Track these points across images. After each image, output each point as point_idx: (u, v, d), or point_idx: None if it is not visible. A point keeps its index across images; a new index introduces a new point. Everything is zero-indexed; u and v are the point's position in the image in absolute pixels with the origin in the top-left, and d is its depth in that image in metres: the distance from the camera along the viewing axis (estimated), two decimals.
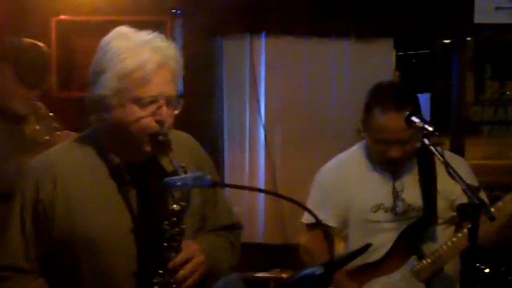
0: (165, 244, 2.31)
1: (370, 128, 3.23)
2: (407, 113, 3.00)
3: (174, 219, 2.31)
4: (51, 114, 3.74)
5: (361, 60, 5.55)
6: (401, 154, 3.17)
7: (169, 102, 2.33)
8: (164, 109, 2.31)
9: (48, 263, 2.43)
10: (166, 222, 2.30)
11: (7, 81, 3.43)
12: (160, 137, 2.30)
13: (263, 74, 5.64)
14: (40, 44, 3.60)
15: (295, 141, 5.65)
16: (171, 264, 2.32)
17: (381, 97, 3.22)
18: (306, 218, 3.36)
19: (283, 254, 5.00)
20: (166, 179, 2.19)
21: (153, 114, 2.30)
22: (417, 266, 3.20)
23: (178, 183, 2.14)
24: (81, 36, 5.40)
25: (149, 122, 2.30)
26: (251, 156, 5.68)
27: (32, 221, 2.38)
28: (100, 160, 2.41)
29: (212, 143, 5.34)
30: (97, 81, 2.31)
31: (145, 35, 2.34)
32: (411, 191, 3.29)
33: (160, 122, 2.31)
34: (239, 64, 5.62)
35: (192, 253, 2.36)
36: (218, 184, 2.12)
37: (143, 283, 2.35)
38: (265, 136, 5.60)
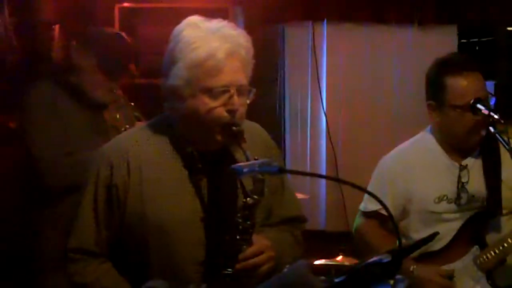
0: (238, 237, 2.32)
1: (451, 99, 3.12)
2: (472, 100, 2.98)
3: (247, 212, 2.31)
4: (131, 103, 3.80)
5: (423, 47, 5.50)
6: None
7: (240, 91, 2.32)
8: (236, 99, 2.30)
9: (117, 248, 2.47)
10: (238, 215, 2.31)
11: (89, 69, 3.51)
12: (234, 128, 2.29)
13: (325, 61, 5.63)
14: (123, 33, 3.66)
15: (357, 127, 5.64)
16: (242, 256, 2.31)
17: (449, 64, 3.17)
18: (364, 206, 3.36)
19: (344, 241, 4.99)
20: (233, 165, 2.16)
21: (225, 104, 2.29)
22: (480, 257, 3.16)
23: (245, 170, 2.10)
24: (144, 24, 5.41)
25: (221, 112, 2.29)
26: (313, 142, 5.69)
27: (104, 205, 2.42)
28: (173, 148, 2.42)
29: (273, 129, 5.34)
30: (169, 71, 2.33)
31: (216, 24, 2.34)
32: (475, 181, 3.23)
33: (232, 112, 2.30)
34: (301, 51, 5.63)
35: (263, 248, 2.36)
36: (285, 170, 2.09)
37: (210, 272, 2.36)
38: (327, 122, 5.60)
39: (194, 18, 2.38)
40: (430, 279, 3.13)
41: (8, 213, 3.78)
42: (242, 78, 2.33)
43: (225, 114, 2.30)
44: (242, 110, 2.35)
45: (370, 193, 1.69)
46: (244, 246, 2.32)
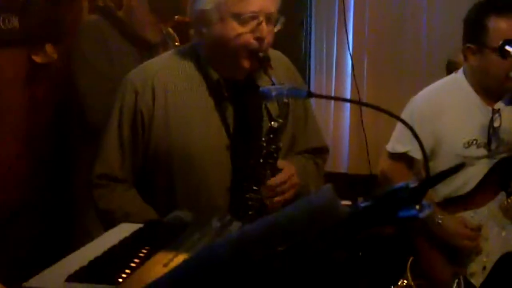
0: (261, 161, 2.33)
1: (492, 41, 3.05)
2: (501, 42, 2.92)
3: (271, 136, 2.32)
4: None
5: None
6: None
7: (268, 18, 2.32)
8: (264, 26, 2.30)
9: (143, 174, 2.49)
10: (263, 139, 2.32)
11: (139, 9, 3.50)
12: (260, 54, 2.29)
13: (352, 3, 5.57)
14: None
15: (383, 71, 5.59)
16: (269, 182, 2.34)
17: (491, 5, 3.10)
18: (392, 147, 3.32)
19: (367, 184, 5.00)
20: (262, 88, 2.16)
21: (253, 30, 2.29)
22: (506, 203, 3.15)
23: (274, 93, 2.10)
24: None
25: (249, 39, 2.30)
26: (337, 85, 5.66)
27: (129, 131, 2.44)
28: (199, 75, 2.43)
29: (299, 70, 5.32)
30: None
31: None
32: (507, 126, 3.19)
33: (259, 39, 2.31)
34: None
35: (289, 174, 2.37)
36: (313, 94, 2.08)
37: (237, 198, 2.39)
38: (352, 66, 5.57)
39: None
40: (457, 231, 3.13)
41: (49, 151, 3.81)
42: (271, 6, 2.33)
43: (253, 40, 2.31)
44: (269, 38, 2.35)
45: (403, 121, 1.67)
46: (268, 171, 2.35)
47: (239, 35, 2.29)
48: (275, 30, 2.37)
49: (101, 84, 3.39)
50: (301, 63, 5.50)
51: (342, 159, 5.64)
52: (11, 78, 3.60)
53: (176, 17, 3.58)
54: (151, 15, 3.50)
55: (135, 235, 1.91)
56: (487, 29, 3.07)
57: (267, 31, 2.32)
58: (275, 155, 2.35)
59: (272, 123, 2.32)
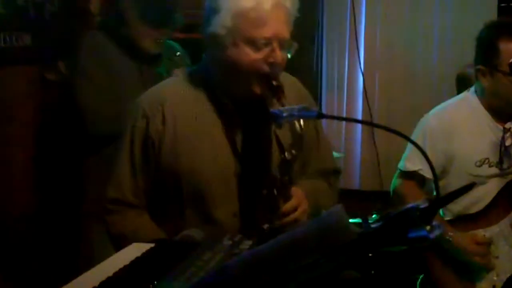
0: (275, 193, 2.30)
1: (502, 64, 3.04)
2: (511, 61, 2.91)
3: (285, 167, 2.29)
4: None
5: (463, 10, 5.42)
6: None
7: (282, 44, 2.28)
8: (278, 52, 2.26)
9: (155, 199, 2.48)
10: (277, 170, 2.30)
11: (131, 20, 3.50)
12: (274, 82, 2.26)
13: (364, 21, 5.59)
14: None
15: (394, 88, 5.60)
16: (282, 211, 2.30)
17: (504, 27, 3.07)
18: (403, 165, 3.30)
19: (379, 201, 4.99)
20: (272, 110, 2.09)
21: (266, 56, 2.26)
22: None
23: (284, 114, 2.02)
24: None
25: (262, 64, 2.26)
26: (349, 102, 5.67)
27: (141, 156, 2.43)
28: (209, 99, 2.41)
29: (310, 89, 5.30)
30: (211, 19, 2.29)
31: None
32: None
33: (272, 65, 2.27)
34: (340, 10, 5.59)
35: (299, 201, 2.35)
36: (324, 115, 2.07)
37: (246, 226, 2.36)
38: (364, 83, 5.58)
39: None
40: (467, 247, 3.12)
41: (53, 161, 3.83)
42: (285, 31, 2.29)
43: (266, 66, 2.27)
44: (282, 63, 2.32)
45: (414, 143, 1.67)
46: (281, 201, 2.30)
47: (252, 60, 2.26)
48: (289, 56, 2.35)
49: (101, 97, 3.41)
50: (313, 81, 5.51)
51: (354, 175, 5.64)
52: (24, 95, 3.63)
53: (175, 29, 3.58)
54: (145, 25, 3.48)
55: (146, 255, 1.91)
56: (499, 52, 3.05)
57: (280, 57, 2.28)
58: (288, 185, 2.31)
59: (286, 154, 2.28)
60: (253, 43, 2.25)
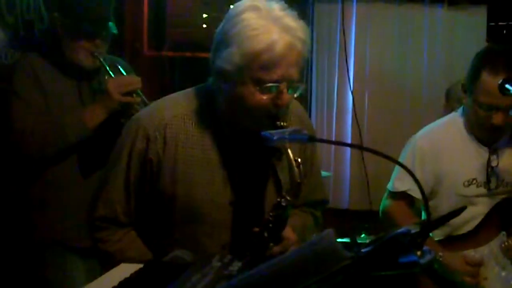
0: (266, 235, 2.28)
1: (476, 92, 3.08)
2: (501, 80, 2.88)
3: (280, 212, 2.27)
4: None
5: (452, 28, 5.48)
6: (504, 123, 3.05)
7: (290, 85, 2.23)
8: (285, 94, 2.22)
9: (145, 219, 2.46)
10: (271, 214, 2.28)
11: (61, 34, 3.38)
12: (278, 123, 2.22)
13: (353, 40, 5.62)
14: None
15: (383, 107, 5.63)
16: (268, 253, 2.28)
17: (492, 60, 3.07)
18: (392, 186, 3.31)
19: (368, 220, 5.00)
20: (263, 132, 2.06)
21: (273, 98, 2.21)
22: (506, 243, 3.15)
23: (275, 137, 2.01)
24: None
25: (268, 105, 2.22)
26: (338, 121, 5.69)
27: (137, 177, 2.40)
28: (211, 127, 2.38)
29: None
30: (220, 52, 2.24)
31: (277, 11, 2.21)
32: (506, 166, 3.21)
33: (279, 106, 2.23)
34: (330, 29, 5.63)
35: (289, 245, 2.33)
36: (314, 139, 2.03)
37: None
38: (353, 103, 5.59)
39: (256, 0, 2.26)
40: (457, 267, 3.12)
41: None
42: (295, 73, 2.23)
43: (273, 108, 2.22)
44: (289, 104, 2.27)
45: (403, 166, 1.67)
46: (271, 244, 2.29)
47: (259, 101, 2.21)
48: (295, 96, 2.30)
49: (37, 119, 3.31)
50: (303, 100, 5.52)
51: (343, 195, 5.64)
52: None
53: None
54: (75, 39, 3.35)
55: (135, 276, 1.90)
56: (479, 80, 3.07)
57: (288, 99, 2.24)
58: (281, 229, 2.30)
59: (282, 200, 2.25)
60: (261, 85, 2.20)
